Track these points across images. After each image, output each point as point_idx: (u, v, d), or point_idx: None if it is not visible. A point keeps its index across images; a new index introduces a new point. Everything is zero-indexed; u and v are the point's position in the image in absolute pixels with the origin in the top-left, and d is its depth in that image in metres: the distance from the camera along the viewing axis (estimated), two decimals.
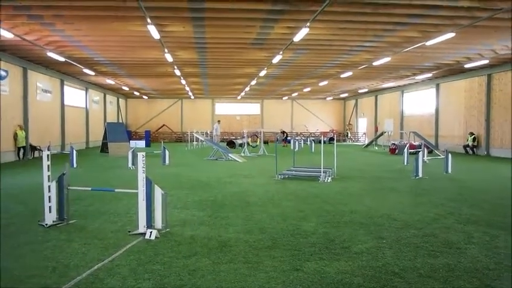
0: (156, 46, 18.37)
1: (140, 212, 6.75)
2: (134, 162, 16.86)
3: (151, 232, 6.57)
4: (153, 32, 14.67)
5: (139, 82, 34.44)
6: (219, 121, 36.52)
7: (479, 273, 5.08)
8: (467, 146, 26.59)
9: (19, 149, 22.02)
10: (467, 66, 23.81)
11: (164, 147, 19.54)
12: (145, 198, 6.72)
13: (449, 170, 15.43)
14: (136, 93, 43.42)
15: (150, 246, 6.15)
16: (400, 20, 14.39)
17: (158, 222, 6.92)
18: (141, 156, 6.70)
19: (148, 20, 13.47)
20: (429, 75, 28.72)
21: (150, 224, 6.80)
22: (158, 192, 6.82)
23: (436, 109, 31.52)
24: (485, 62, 22.34)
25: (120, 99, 46.45)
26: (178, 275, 4.98)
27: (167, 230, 6.95)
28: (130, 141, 32.24)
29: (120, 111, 46.62)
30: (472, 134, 26.55)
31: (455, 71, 26.69)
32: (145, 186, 6.71)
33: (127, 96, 47.77)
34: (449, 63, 24.03)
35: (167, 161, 19.16)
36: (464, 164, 19.60)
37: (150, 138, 38.94)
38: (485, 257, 5.67)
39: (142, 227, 6.75)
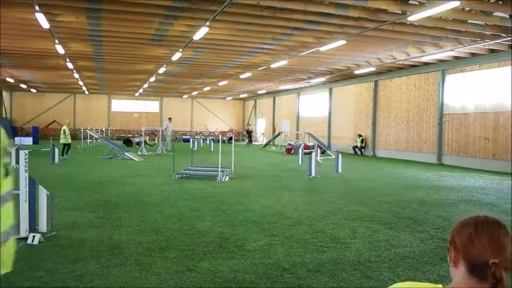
0: (45, 36, 17.07)
1: (22, 215, 6.24)
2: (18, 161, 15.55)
3: (34, 236, 6.09)
4: (42, 20, 13.62)
5: (26, 74, 31.79)
6: (170, 118, 31.90)
7: (361, 265, 5.45)
8: (356, 147, 28.44)
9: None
10: (356, 72, 25.51)
11: (53, 145, 18.27)
12: (27, 200, 6.23)
13: (340, 170, 16.39)
14: (23, 85, 40.05)
15: (33, 251, 5.71)
16: (297, 25, 14.96)
17: (43, 225, 6.48)
18: (23, 154, 6.22)
19: (37, 8, 12.49)
20: (323, 79, 30.28)
21: (33, 228, 6.32)
22: (43, 193, 6.38)
23: (329, 112, 33.27)
24: (372, 69, 24.13)
25: (4, 92, 42.46)
26: (63, 281, 4.68)
27: (53, 233, 6.51)
28: (15, 137, 29.74)
29: (4, 105, 42.67)
30: (360, 135, 28.45)
31: (347, 76, 28.46)
32: (27, 186, 6.23)
33: (12, 89, 43.86)
34: (341, 69, 25.56)
35: (57, 160, 17.96)
36: (353, 163, 20.95)
37: (39, 135, 36.19)
38: (368, 250, 6.11)
39: (24, 231, 6.24)
